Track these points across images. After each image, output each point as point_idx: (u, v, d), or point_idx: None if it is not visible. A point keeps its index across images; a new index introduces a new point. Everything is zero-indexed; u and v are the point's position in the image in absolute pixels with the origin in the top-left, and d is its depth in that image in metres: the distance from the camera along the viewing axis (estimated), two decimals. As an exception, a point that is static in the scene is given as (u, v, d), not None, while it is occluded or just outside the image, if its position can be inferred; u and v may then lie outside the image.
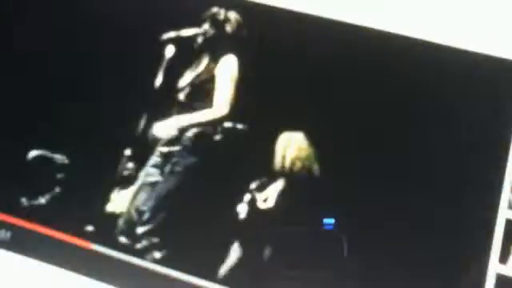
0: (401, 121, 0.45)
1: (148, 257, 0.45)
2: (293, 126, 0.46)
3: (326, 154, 0.45)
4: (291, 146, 0.45)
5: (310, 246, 0.44)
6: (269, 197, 0.45)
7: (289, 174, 0.45)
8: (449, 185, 0.43)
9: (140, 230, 0.46)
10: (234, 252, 0.45)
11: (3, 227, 0.48)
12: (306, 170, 0.45)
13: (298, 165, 0.45)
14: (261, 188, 0.45)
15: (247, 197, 0.45)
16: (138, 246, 0.46)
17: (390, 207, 0.44)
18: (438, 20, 0.46)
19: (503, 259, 0.42)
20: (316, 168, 0.45)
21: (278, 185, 0.45)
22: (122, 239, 0.46)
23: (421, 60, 0.45)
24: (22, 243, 0.47)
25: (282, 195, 0.45)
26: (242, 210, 0.45)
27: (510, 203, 0.43)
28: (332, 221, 0.44)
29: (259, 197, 0.45)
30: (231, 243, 0.45)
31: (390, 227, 0.43)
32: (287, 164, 0.45)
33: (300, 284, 0.43)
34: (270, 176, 0.45)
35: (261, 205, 0.45)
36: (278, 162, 0.45)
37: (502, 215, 0.42)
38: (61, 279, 0.46)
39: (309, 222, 0.44)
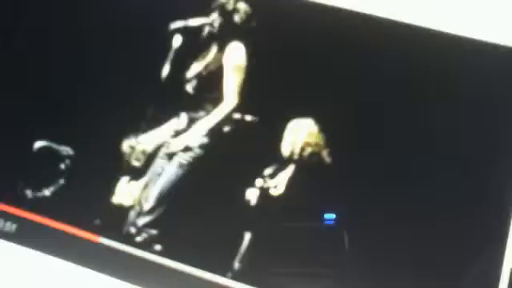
0: (406, 111, 0.45)
1: (154, 249, 0.45)
2: (302, 113, 0.45)
3: (334, 140, 0.45)
4: (302, 132, 0.45)
5: (315, 238, 0.44)
6: (279, 183, 0.45)
7: (299, 160, 0.45)
8: (461, 180, 0.43)
9: (145, 220, 0.46)
10: (245, 241, 0.44)
11: (9, 220, 0.47)
12: (316, 156, 0.45)
13: (309, 150, 0.45)
14: (271, 175, 0.45)
15: (258, 184, 0.45)
16: (142, 237, 0.45)
17: (400, 197, 0.44)
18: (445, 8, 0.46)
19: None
20: (325, 154, 0.45)
21: (289, 171, 0.45)
22: (131, 231, 0.46)
23: (429, 49, 0.46)
24: (27, 235, 0.47)
25: (292, 181, 0.45)
26: (252, 197, 0.45)
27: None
28: (334, 215, 0.44)
29: (270, 184, 0.45)
30: (242, 232, 0.45)
31: (397, 220, 0.43)
32: (297, 150, 0.45)
33: (302, 279, 0.43)
34: (281, 163, 0.45)
35: (272, 191, 0.45)
36: (287, 148, 0.45)
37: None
38: (66, 272, 0.45)
39: (316, 211, 0.44)
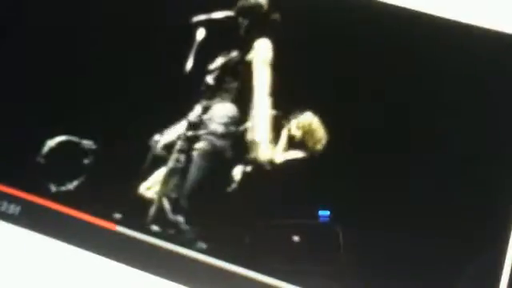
0: (410, 109, 0.45)
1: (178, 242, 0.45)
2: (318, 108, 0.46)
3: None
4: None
5: (310, 235, 0.44)
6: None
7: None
8: (465, 173, 0.43)
9: (170, 216, 0.46)
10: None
11: (13, 202, 0.47)
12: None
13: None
14: None
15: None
16: (169, 232, 0.45)
17: (398, 195, 0.44)
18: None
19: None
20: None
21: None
22: (153, 226, 0.45)
23: (440, 38, 0.46)
24: (31, 218, 0.46)
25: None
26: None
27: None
28: (327, 213, 0.44)
29: None
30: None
31: (396, 216, 0.43)
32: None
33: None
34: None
35: None
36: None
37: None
38: (81, 259, 0.45)
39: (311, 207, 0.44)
